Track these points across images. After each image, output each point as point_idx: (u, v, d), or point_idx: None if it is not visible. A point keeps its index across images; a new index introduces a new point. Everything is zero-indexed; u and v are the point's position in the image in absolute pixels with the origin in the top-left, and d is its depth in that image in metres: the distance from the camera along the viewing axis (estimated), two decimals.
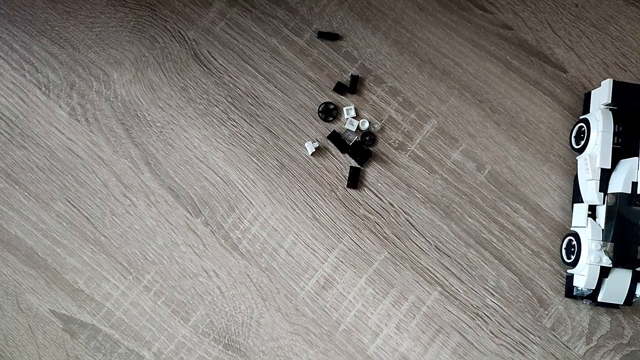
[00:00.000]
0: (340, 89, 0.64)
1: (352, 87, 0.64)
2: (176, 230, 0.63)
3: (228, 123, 0.64)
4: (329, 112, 0.63)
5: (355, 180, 0.63)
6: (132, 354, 0.61)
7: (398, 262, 0.62)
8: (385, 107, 0.64)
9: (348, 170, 0.63)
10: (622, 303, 0.53)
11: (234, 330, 0.61)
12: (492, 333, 0.62)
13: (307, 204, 0.63)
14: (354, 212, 0.63)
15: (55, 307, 0.62)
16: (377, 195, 0.63)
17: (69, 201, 0.63)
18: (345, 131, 0.63)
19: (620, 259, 0.46)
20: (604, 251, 0.51)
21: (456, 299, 0.62)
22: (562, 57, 0.64)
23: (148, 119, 0.64)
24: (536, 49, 0.64)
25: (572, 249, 0.55)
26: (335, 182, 0.63)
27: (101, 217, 0.63)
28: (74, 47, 0.65)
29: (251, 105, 0.64)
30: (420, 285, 0.62)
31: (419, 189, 0.63)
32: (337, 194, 0.63)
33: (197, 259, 0.62)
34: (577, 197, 0.59)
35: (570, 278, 0.59)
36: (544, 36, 0.64)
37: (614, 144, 0.52)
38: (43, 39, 0.65)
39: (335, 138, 0.63)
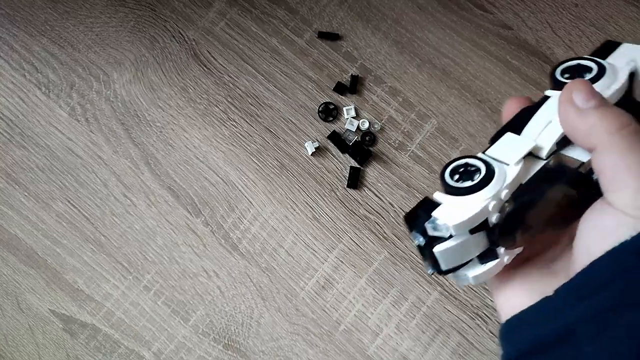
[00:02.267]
0: (340, 89, 0.64)
1: (352, 87, 0.64)
2: (176, 230, 0.63)
3: (228, 123, 0.64)
4: (329, 112, 0.63)
5: (355, 180, 0.63)
6: (132, 354, 0.61)
7: (398, 262, 0.62)
8: (385, 107, 0.64)
9: (348, 170, 0.63)
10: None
11: (234, 330, 0.61)
12: (492, 333, 0.62)
13: (307, 204, 0.63)
14: (354, 212, 0.63)
15: (55, 307, 0.62)
16: (377, 195, 0.63)
17: (68, 201, 0.63)
18: (345, 131, 0.63)
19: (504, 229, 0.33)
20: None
21: (456, 298, 0.62)
22: (562, 56, 0.64)
23: (148, 118, 0.64)
24: (536, 49, 0.64)
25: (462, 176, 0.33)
26: (335, 182, 0.63)
27: (101, 217, 0.63)
28: (73, 47, 0.65)
29: (251, 105, 0.64)
30: (420, 285, 0.62)
31: (419, 189, 0.63)
32: (337, 194, 0.63)
33: (197, 259, 0.62)
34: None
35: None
36: (544, 36, 0.64)
37: None
38: (43, 39, 0.65)
39: (335, 138, 0.63)
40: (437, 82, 0.64)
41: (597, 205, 0.32)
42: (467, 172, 0.31)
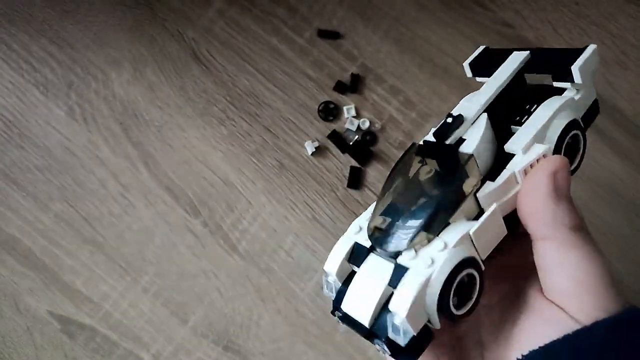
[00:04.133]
0: (340, 88, 0.63)
1: (352, 86, 0.63)
2: (175, 230, 0.62)
3: (227, 122, 0.64)
4: (329, 112, 0.63)
5: (355, 180, 0.62)
6: (130, 356, 0.61)
7: None
8: (386, 106, 0.63)
9: (348, 170, 0.62)
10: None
11: (233, 331, 0.61)
12: None
13: (307, 204, 0.62)
14: (355, 213, 0.62)
15: (53, 308, 0.62)
16: (377, 196, 0.62)
17: (66, 201, 0.63)
18: (346, 130, 0.63)
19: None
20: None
21: None
22: None
23: (146, 118, 0.64)
24: (537, 47, 0.64)
25: None
26: (336, 182, 0.63)
27: (99, 217, 0.62)
28: (72, 47, 0.65)
29: (250, 104, 0.64)
30: None
31: None
32: (337, 194, 0.62)
33: (195, 260, 0.62)
34: None
35: None
36: (545, 34, 0.64)
37: None
38: (41, 39, 0.65)
39: (336, 137, 0.62)
40: (438, 81, 0.64)
41: (536, 300, 0.32)
42: None
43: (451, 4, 0.64)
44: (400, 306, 0.27)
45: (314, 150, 0.62)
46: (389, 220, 0.31)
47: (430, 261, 0.28)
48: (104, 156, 0.63)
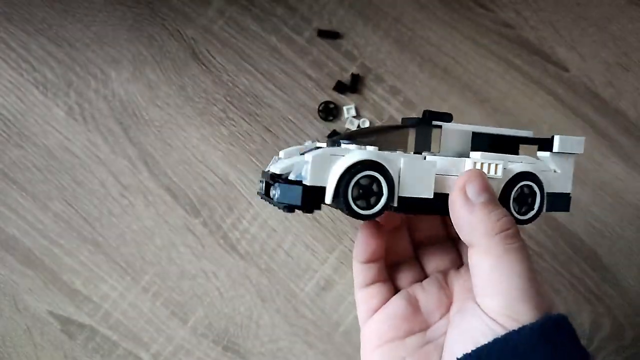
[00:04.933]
0: (340, 88, 0.63)
1: (352, 86, 0.63)
2: (174, 230, 0.62)
3: (227, 122, 0.63)
4: (329, 112, 0.63)
5: None
6: (130, 356, 0.61)
7: None
8: (386, 106, 0.63)
9: None
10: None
11: (233, 331, 0.61)
12: None
13: None
14: None
15: (52, 307, 0.62)
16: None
17: (66, 201, 0.63)
18: (346, 130, 0.63)
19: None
20: None
21: None
22: (564, 56, 0.64)
23: (146, 118, 0.63)
24: (538, 48, 0.64)
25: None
26: None
27: (99, 217, 0.62)
28: (71, 46, 0.64)
29: (250, 104, 0.64)
30: None
31: None
32: None
33: (195, 260, 0.62)
34: None
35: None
36: (546, 35, 0.64)
37: None
38: (40, 38, 0.64)
39: None
40: (438, 81, 0.64)
41: (468, 306, 0.34)
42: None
43: (451, 4, 0.64)
44: (313, 154, 0.33)
45: None
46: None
47: (360, 148, 0.35)
48: (103, 156, 0.63)
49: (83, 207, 0.63)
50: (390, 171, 0.33)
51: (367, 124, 0.62)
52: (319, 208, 0.33)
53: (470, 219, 0.33)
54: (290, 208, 0.33)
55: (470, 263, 0.33)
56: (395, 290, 0.42)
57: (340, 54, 0.64)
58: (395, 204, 0.34)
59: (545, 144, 0.40)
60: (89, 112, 0.64)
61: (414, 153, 0.37)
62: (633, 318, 0.61)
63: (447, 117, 0.39)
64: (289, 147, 0.41)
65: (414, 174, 0.34)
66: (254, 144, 0.63)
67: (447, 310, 0.40)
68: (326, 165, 0.33)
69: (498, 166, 0.36)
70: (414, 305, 0.40)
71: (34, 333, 0.62)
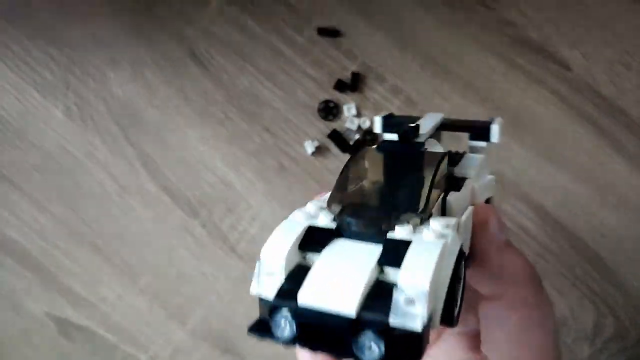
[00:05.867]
0: (340, 86, 0.63)
1: (353, 85, 0.63)
2: (173, 232, 0.62)
3: (226, 123, 0.63)
4: (329, 111, 0.62)
5: None
6: (128, 358, 0.60)
7: None
8: (387, 105, 0.63)
9: None
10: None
11: (232, 334, 0.60)
12: None
13: None
14: None
15: (51, 309, 0.61)
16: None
17: (64, 202, 0.62)
18: (346, 130, 0.62)
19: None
20: None
21: None
22: (567, 55, 0.63)
23: (145, 119, 0.63)
24: (540, 47, 0.63)
25: None
26: None
27: (97, 218, 0.62)
28: (70, 47, 0.64)
29: (250, 104, 0.63)
30: None
31: None
32: None
33: (194, 261, 0.61)
34: None
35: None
36: (548, 34, 0.63)
37: None
38: (39, 39, 0.64)
39: (336, 137, 0.62)
40: (439, 80, 0.63)
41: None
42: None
43: (453, 2, 0.63)
44: (416, 277, 0.20)
45: (314, 150, 0.62)
46: (374, 197, 0.26)
47: (440, 235, 0.22)
48: (102, 157, 0.63)
49: (81, 208, 0.62)
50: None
51: (367, 124, 0.62)
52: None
53: (498, 259, 0.27)
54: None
55: (489, 320, 0.28)
56: None
57: (341, 52, 0.63)
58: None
59: (481, 133, 0.32)
60: (88, 113, 0.63)
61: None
62: (636, 319, 0.60)
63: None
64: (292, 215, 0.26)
65: (465, 231, 0.26)
66: (253, 144, 0.63)
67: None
68: (437, 281, 0.20)
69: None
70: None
71: (32, 335, 0.61)
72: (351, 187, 0.26)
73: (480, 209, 0.28)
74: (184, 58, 0.64)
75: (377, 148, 0.29)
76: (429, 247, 0.21)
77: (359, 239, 0.23)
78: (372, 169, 0.28)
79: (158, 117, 0.63)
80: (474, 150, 0.34)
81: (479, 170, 0.31)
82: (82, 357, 0.61)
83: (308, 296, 0.20)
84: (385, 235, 0.22)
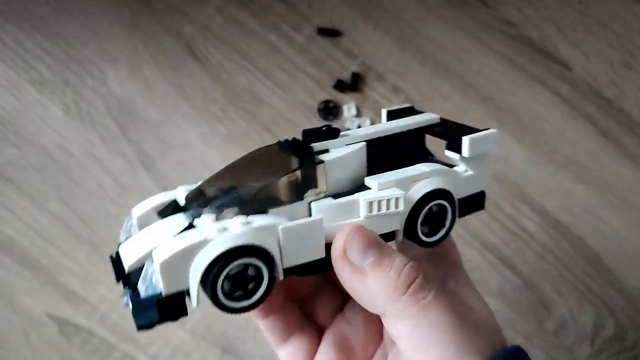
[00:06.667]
0: (340, 86, 0.62)
1: (352, 84, 0.62)
2: None
3: (225, 121, 0.63)
4: (329, 111, 0.62)
5: None
6: (127, 358, 0.60)
7: None
8: (386, 104, 0.62)
9: None
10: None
11: (232, 334, 0.60)
12: None
13: None
14: None
15: (50, 309, 0.61)
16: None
17: (63, 201, 0.62)
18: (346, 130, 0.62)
19: None
20: None
21: None
22: (567, 54, 0.63)
23: (143, 116, 0.63)
24: (541, 46, 0.63)
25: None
26: None
27: (96, 217, 0.62)
28: (67, 43, 0.64)
29: (249, 102, 0.63)
30: None
31: None
32: None
33: None
34: None
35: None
36: (549, 33, 0.63)
37: None
38: (37, 35, 0.64)
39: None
40: (439, 80, 0.63)
41: None
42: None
43: (453, 1, 0.63)
44: (161, 254, 0.25)
45: None
46: (215, 187, 0.31)
47: (222, 229, 0.26)
48: (100, 155, 0.62)
49: (80, 207, 0.62)
50: (268, 248, 0.27)
51: (367, 123, 0.62)
52: (185, 314, 0.27)
53: (366, 289, 0.28)
54: (149, 327, 0.26)
55: (390, 334, 0.28)
56: (319, 331, 0.37)
57: (341, 52, 0.63)
58: (282, 277, 0.28)
59: (454, 144, 0.33)
60: (86, 111, 0.63)
61: (297, 198, 0.29)
62: (636, 320, 0.60)
63: (332, 133, 0.32)
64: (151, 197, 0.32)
65: (297, 240, 0.28)
66: (252, 142, 0.62)
67: (381, 337, 0.35)
68: (182, 264, 0.25)
69: (399, 200, 0.29)
70: (345, 348, 0.35)
71: (31, 335, 0.61)
72: (222, 174, 0.32)
73: (340, 234, 0.28)
74: (183, 55, 0.63)
75: (277, 144, 0.33)
76: (191, 235, 0.26)
77: (187, 217, 0.29)
78: (251, 164, 0.33)
79: (157, 115, 0.63)
80: (450, 161, 0.35)
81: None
82: (81, 357, 0.61)
83: (122, 248, 0.29)
84: (193, 219, 0.28)
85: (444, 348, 0.27)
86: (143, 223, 0.30)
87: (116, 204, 0.62)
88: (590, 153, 0.62)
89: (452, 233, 0.34)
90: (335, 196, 0.30)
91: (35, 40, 0.64)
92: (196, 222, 0.28)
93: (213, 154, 0.62)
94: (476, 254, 0.61)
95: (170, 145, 0.62)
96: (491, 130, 0.33)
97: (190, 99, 0.63)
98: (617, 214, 0.61)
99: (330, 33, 0.63)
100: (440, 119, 0.36)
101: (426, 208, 0.31)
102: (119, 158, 0.62)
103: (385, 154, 0.33)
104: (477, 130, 0.33)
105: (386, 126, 0.34)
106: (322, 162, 0.30)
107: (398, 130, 0.34)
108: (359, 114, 0.62)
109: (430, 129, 0.36)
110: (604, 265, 0.61)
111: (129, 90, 0.63)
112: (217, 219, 0.28)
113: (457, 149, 0.33)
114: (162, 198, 0.31)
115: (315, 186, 0.30)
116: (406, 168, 0.32)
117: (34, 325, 0.61)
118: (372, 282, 0.27)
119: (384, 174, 0.31)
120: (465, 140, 0.32)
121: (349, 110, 0.62)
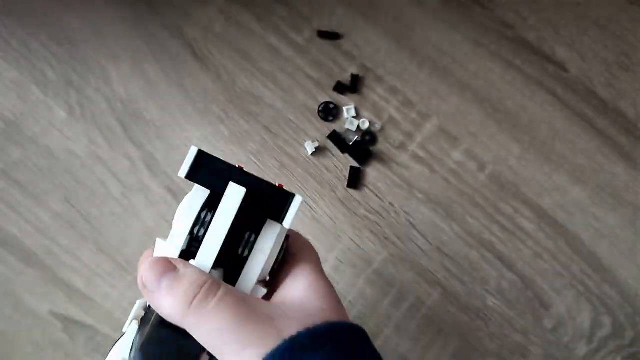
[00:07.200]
0: (340, 88, 0.63)
1: (352, 86, 0.63)
2: None
3: (227, 122, 0.64)
4: (329, 112, 0.63)
5: (355, 180, 0.62)
6: None
7: (398, 263, 0.62)
8: (385, 106, 0.63)
9: (348, 170, 0.62)
10: None
11: None
12: (493, 335, 0.61)
13: (307, 204, 0.62)
14: (354, 212, 0.62)
15: (53, 307, 0.62)
16: (377, 196, 0.62)
17: (67, 200, 0.63)
18: (346, 131, 0.63)
19: None
20: None
21: (457, 300, 0.61)
22: (564, 56, 0.64)
23: (146, 117, 0.63)
24: (537, 48, 0.64)
25: None
26: (335, 182, 0.63)
27: (99, 216, 0.62)
28: (71, 44, 0.64)
29: (250, 104, 0.64)
30: (420, 285, 0.62)
31: (419, 189, 0.62)
32: (337, 194, 0.63)
33: None
34: None
35: None
36: (545, 35, 0.64)
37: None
38: (40, 35, 0.64)
39: (336, 138, 0.62)
40: (437, 81, 0.64)
41: None
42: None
43: (451, 3, 0.64)
44: None
45: (314, 150, 0.62)
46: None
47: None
48: (104, 155, 0.63)
49: (84, 206, 0.63)
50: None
51: (366, 125, 0.62)
52: None
53: (166, 313, 0.30)
54: None
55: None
56: None
57: (340, 53, 0.64)
58: None
59: (275, 214, 0.35)
60: (90, 111, 0.64)
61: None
62: (633, 318, 0.61)
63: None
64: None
65: None
66: (254, 143, 0.63)
67: None
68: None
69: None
70: None
71: (34, 333, 0.62)
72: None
73: (140, 264, 0.34)
74: (185, 56, 0.64)
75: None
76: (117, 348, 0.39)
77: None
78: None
79: (160, 116, 0.63)
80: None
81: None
82: (85, 355, 0.61)
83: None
84: None
85: (227, 350, 0.28)
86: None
87: (120, 203, 0.63)
88: (587, 153, 0.62)
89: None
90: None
91: (39, 40, 0.64)
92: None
93: (215, 154, 0.63)
94: (474, 253, 0.62)
95: (173, 145, 0.63)
96: (298, 199, 0.35)
97: (192, 100, 0.64)
98: (613, 213, 0.62)
99: (330, 36, 0.64)
100: (245, 182, 0.37)
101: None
102: (122, 158, 0.63)
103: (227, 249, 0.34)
104: (283, 194, 0.35)
105: (221, 226, 0.34)
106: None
107: (229, 228, 0.34)
108: (358, 115, 0.63)
109: (246, 205, 0.35)
110: (601, 263, 0.62)
111: (132, 90, 0.64)
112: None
113: (278, 218, 0.35)
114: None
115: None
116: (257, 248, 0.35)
117: (37, 324, 0.62)
118: (165, 306, 0.30)
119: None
120: (287, 222, 0.35)
121: (348, 112, 0.63)
